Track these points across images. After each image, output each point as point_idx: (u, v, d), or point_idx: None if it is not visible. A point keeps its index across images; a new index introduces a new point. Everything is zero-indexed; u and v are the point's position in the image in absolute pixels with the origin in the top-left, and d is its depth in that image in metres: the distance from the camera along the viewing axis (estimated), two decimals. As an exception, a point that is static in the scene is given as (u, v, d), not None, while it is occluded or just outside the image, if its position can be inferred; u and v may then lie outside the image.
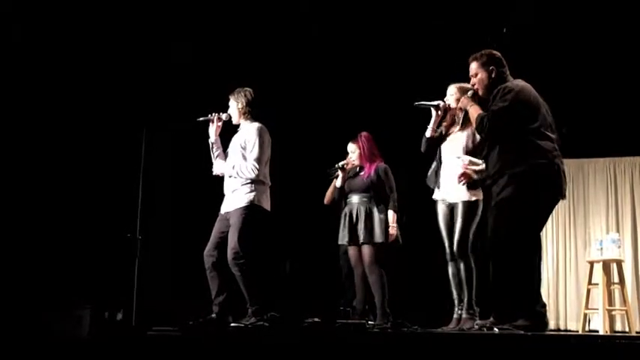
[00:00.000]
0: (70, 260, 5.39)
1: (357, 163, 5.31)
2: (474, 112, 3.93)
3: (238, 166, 4.53)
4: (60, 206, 5.51)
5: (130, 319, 4.37)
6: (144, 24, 5.99)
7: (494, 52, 4.01)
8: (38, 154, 5.48)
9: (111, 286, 5.03)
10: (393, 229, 5.12)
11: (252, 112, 4.67)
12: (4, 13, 5.34)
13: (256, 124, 4.62)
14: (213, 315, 4.40)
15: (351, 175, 5.34)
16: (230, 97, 4.72)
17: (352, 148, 5.35)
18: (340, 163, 5.32)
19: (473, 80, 4.02)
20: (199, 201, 5.55)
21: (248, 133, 4.61)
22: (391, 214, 5.13)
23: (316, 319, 4.27)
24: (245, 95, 4.67)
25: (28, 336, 3.35)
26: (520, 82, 3.90)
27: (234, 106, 4.69)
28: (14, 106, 5.41)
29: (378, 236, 5.04)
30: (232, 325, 4.38)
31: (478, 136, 4.27)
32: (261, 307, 4.36)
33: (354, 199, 5.21)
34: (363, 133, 5.31)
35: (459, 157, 4.44)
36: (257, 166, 4.49)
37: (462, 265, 4.42)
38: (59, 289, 5.02)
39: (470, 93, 4.04)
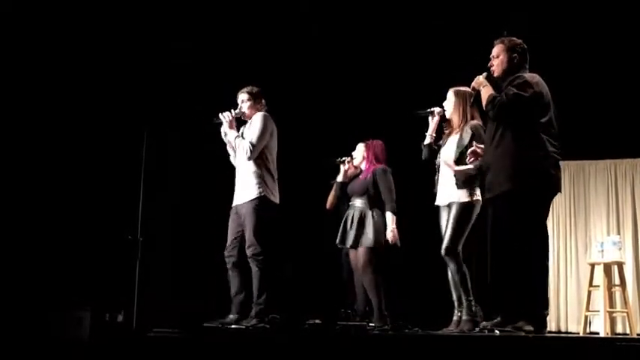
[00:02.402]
0: (71, 262, 5.39)
1: (356, 162, 5.33)
2: (486, 92, 3.94)
3: (239, 141, 4.57)
4: (61, 207, 5.51)
5: (131, 321, 4.36)
6: (145, 24, 6.00)
7: (522, 42, 4.03)
8: (39, 156, 5.48)
9: (111, 287, 5.02)
10: (393, 232, 5.04)
11: (259, 109, 4.72)
12: (4, 13, 5.34)
13: (261, 113, 4.67)
14: (231, 315, 4.41)
15: (354, 177, 5.35)
16: (239, 94, 4.75)
17: (359, 148, 5.34)
18: (342, 158, 5.35)
19: (493, 61, 4.03)
20: (200, 202, 5.55)
21: (254, 120, 4.66)
22: (389, 217, 5.05)
23: (317, 321, 4.27)
24: (253, 92, 4.74)
25: (28, 337, 3.35)
26: (536, 76, 3.92)
27: (245, 104, 4.73)
28: (15, 107, 5.42)
29: (369, 241, 5.03)
30: (233, 326, 4.38)
31: (468, 137, 4.34)
32: (265, 309, 4.37)
33: (354, 202, 5.24)
34: (377, 141, 5.31)
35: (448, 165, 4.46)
36: (253, 145, 4.51)
37: (452, 266, 4.38)
38: (60, 290, 5.01)
39: (485, 74, 4.05)
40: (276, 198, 4.61)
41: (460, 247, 4.39)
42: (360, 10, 6.45)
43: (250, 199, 4.49)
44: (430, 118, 4.68)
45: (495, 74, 4.01)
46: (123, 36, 5.91)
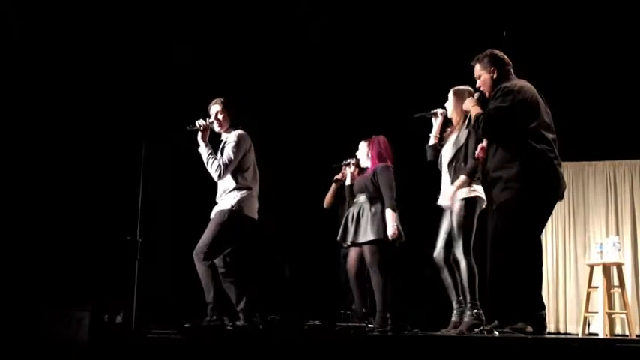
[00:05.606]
0: (71, 262, 5.39)
1: (362, 162, 5.31)
2: (474, 112, 3.96)
3: (211, 159, 4.51)
4: (61, 209, 5.52)
5: (130, 322, 4.37)
6: (144, 35, 6.02)
7: (495, 51, 4.01)
8: (40, 158, 5.49)
9: (111, 288, 5.03)
10: (393, 228, 4.89)
11: (233, 120, 4.65)
12: (4, 13, 5.35)
13: (236, 132, 4.59)
14: (240, 322, 4.38)
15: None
16: (211, 105, 4.68)
17: (362, 147, 5.32)
18: (347, 161, 5.34)
19: (478, 83, 4.03)
20: (199, 204, 5.54)
21: (229, 140, 4.58)
22: (389, 213, 4.92)
23: (316, 323, 4.27)
24: (226, 104, 4.65)
25: (28, 338, 3.35)
26: (520, 82, 3.89)
27: (220, 115, 4.65)
28: (17, 109, 5.43)
29: (368, 235, 4.93)
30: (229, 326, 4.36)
31: (464, 136, 4.31)
32: (219, 308, 4.35)
33: (357, 199, 5.19)
34: (380, 137, 5.25)
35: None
36: (226, 166, 4.46)
37: (464, 265, 4.25)
38: (59, 291, 5.01)
39: (477, 95, 4.06)
40: (251, 212, 4.53)
41: (471, 244, 4.27)
42: (360, 10, 6.46)
43: (220, 209, 4.49)
44: (433, 119, 4.67)
45: (487, 95, 4.00)
46: (124, 45, 5.94)
